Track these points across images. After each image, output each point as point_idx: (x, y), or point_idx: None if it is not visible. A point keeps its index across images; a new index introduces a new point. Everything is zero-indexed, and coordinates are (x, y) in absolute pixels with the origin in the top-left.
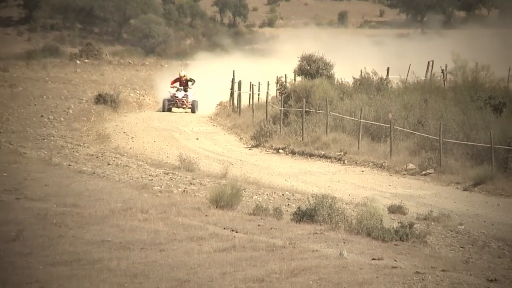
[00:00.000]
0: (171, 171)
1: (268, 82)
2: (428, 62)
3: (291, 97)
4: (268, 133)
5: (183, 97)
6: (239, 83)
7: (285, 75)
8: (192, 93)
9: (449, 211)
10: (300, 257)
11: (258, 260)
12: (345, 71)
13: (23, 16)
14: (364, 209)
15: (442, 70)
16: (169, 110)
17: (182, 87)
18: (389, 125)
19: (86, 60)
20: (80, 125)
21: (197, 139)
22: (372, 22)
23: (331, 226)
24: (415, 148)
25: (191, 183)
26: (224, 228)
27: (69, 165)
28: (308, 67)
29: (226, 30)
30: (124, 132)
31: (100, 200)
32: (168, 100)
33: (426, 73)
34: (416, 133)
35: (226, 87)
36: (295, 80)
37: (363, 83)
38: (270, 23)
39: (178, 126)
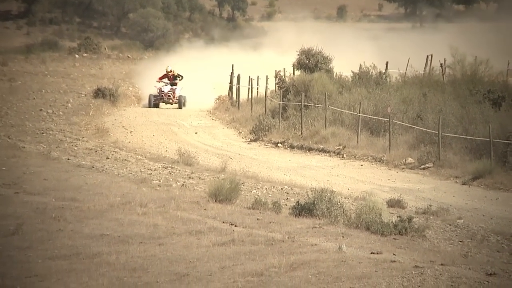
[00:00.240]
0: (170, 165)
1: (267, 76)
2: (427, 56)
3: (290, 91)
4: (267, 127)
5: (169, 91)
6: (238, 77)
7: (284, 69)
8: (180, 88)
9: (448, 205)
10: (299, 251)
11: (257, 254)
12: (344, 65)
13: (22, 10)
14: (363, 203)
15: (441, 64)
16: (156, 106)
17: (169, 82)
18: (388, 119)
19: (85, 54)
20: (79, 119)
21: (196, 133)
22: (370, 16)
23: (330, 220)
24: (414, 142)
25: (190, 177)
26: (223, 222)
27: (68, 159)
28: (307, 61)
29: (225, 24)
30: (123, 126)
31: (99, 194)
32: (155, 96)
33: (425, 67)
34: (415, 127)
35: (225, 80)
36: (294, 74)
37: (362, 77)
38: (269, 17)
39: (177, 120)
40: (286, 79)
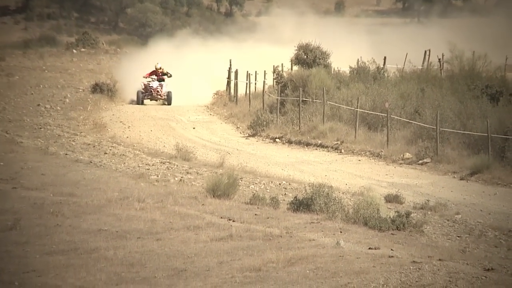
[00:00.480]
0: (168, 160)
1: (264, 71)
2: (425, 51)
3: (288, 86)
4: (264, 123)
5: (157, 86)
6: (236, 72)
7: (282, 64)
8: (165, 84)
9: (445, 200)
10: (296, 246)
11: (255, 249)
12: (342, 60)
13: (19, 5)
14: (361, 199)
15: (439, 59)
16: (142, 102)
17: (156, 78)
18: (386, 114)
19: (83, 49)
20: (77, 114)
21: (193, 128)
22: (369, 11)
23: (328, 216)
24: (412, 138)
25: (188, 172)
26: (221, 217)
27: (66, 154)
28: (305, 56)
29: (222, 19)
30: (121, 121)
31: (96, 189)
32: (142, 92)
33: (423, 63)
34: (413, 122)
35: (222, 75)
36: (291, 69)
37: (360, 72)
38: (267, 12)
39: (175, 115)
40: (284, 74)
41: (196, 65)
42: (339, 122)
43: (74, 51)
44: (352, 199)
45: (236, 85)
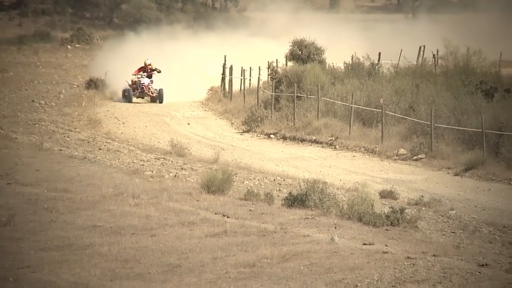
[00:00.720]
0: (163, 156)
1: (259, 67)
2: (420, 47)
3: (283, 82)
4: (259, 118)
5: (149, 83)
6: (231, 68)
7: (276, 60)
8: (156, 81)
9: (440, 196)
10: (291, 242)
11: (249, 245)
12: (336, 56)
13: (14, 1)
14: (355, 194)
15: (434, 55)
16: (130, 101)
17: (145, 75)
18: (380, 110)
19: (77, 45)
20: (71, 110)
21: (188, 124)
22: (363, 6)
23: (322, 211)
24: (406, 133)
25: (182, 168)
26: (216, 213)
27: (60, 150)
28: (300, 52)
29: (217, 15)
30: (115, 117)
31: (91, 185)
32: (133, 89)
33: (418, 58)
34: (408, 118)
35: (217, 71)
36: (286, 65)
37: (354, 68)
38: (262, 8)
39: (170, 111)
40: (279, 70)
41: (190, 61)
42: (333, 118)
43: (69, 47)
44: (346, 195)
45: (230, 81)
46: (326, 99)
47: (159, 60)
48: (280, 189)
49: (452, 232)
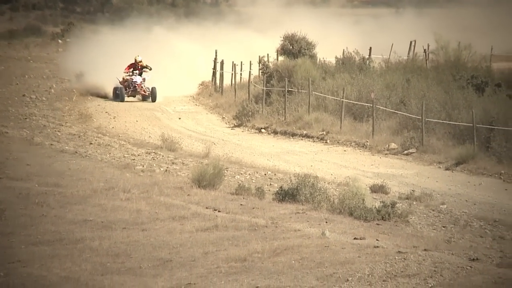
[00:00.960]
0: (153, 151)
1: (250, 61)
2: (410, 42)
3: (274, 77)
4: (250, 113)
5: (141, 82)
6: (222, 62)
7: (268, 54)
8: (148, 79)
9: (431, 190)
10: (282, 236)
11: (240, 239)
12: (327, 51)
13: None
14: (346, 189)
15: (424, 50)
16: (122, 100)
17: (137, 72)
18: (371, 105)
19: (68, 40)
20: (62, 104)
21: (179, 118)
22: (354, 1)
23: (313, 206)
24: (397, 128)
25: (173, 163)
26: (206, 208)
27: (51, 144)
28: (291, 47)
29: (208, 9)
30: (106, 112)
31: (82, 180)
32: (126, 87)
33: (409, 53)
34: (399, 112)
35: (208, 66)
36: (277, 59)
37: (345, 63)
38: (253, 2)
39: (160, 105)
40: (270, 64)
41: (180, 55)
42: (324, 112)
43: (60, 41)
44: (337, 189)
45: (221, 75)
46: (317, 93)
47: (150, 54)
48: (271, 184)
49: (443, 227)
